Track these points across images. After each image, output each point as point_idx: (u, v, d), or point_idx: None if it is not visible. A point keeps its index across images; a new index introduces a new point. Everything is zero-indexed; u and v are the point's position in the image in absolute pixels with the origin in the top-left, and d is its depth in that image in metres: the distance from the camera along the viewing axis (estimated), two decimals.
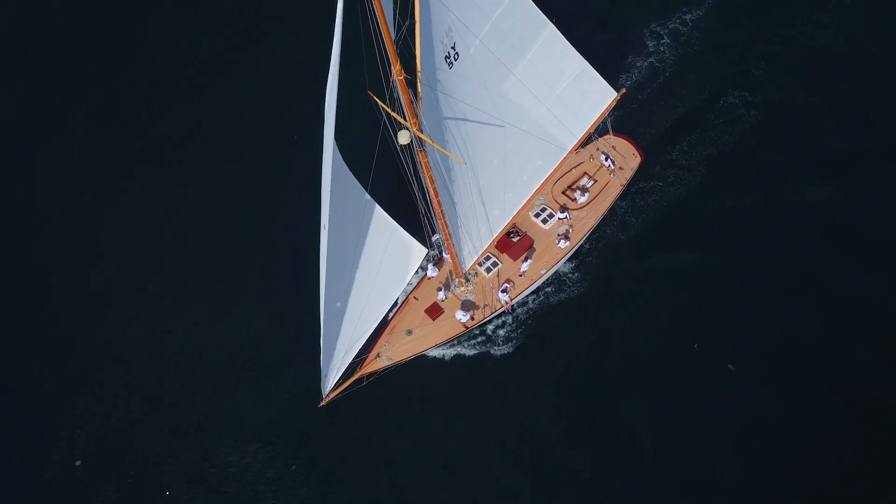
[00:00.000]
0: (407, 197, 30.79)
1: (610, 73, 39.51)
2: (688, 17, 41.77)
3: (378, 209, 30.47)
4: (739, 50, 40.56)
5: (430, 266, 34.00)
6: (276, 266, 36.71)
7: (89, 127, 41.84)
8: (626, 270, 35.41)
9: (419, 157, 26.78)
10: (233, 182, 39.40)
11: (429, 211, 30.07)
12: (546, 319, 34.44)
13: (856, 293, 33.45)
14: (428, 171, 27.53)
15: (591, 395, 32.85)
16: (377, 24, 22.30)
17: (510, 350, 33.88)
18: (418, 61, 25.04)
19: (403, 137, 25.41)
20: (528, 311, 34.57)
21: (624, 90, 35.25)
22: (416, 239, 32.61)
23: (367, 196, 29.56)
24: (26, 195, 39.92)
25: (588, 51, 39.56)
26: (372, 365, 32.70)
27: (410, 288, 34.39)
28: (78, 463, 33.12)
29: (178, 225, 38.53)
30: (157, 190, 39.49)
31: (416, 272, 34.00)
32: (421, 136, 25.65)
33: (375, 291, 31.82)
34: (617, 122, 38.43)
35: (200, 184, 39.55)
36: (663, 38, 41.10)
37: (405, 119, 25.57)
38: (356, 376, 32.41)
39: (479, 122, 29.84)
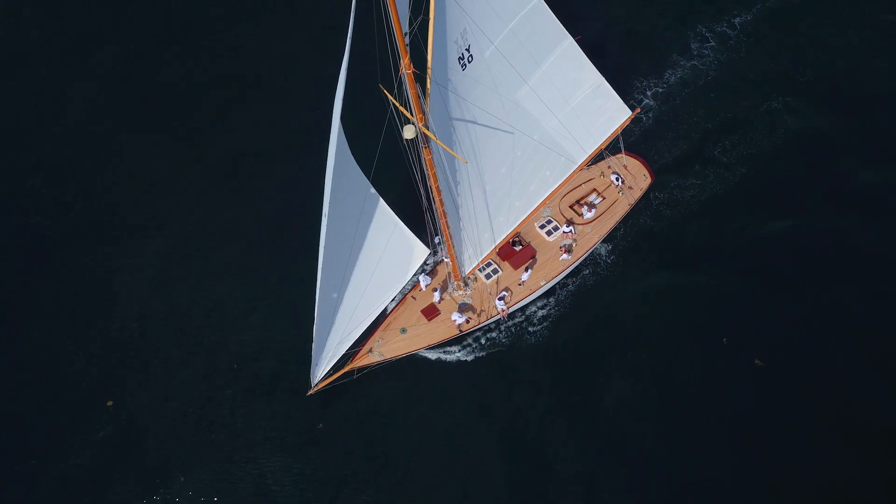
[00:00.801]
0: (414, 196, 31.06)
1: (651, 72, 40.43)
2: (737, 20, 42.05)
3: (382, 204, 30.79)
4: (788, 56, 40.66)
5: (422, 275, 33.94)
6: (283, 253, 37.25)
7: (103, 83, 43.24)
8: (657, 261, 35.32)
9: (423, 153, 27.08)
10: (243, 174, 40.15)
11: (432, 211, 30.32)
12: (574, 306, 34.56)
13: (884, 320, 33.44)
14: (432, 169, 27.81)
15: (613, 385, 32.72)
16: (389, 15, 22.72)
17: (531, 334, 33.99)
18: (429, 58, 25.42)
19: (409, 132, 25.76)
20: (567, 294, 34.72)
21: (639, 110, 35.47)
22: (420, 239, 32.99)
23: (372, 189, 29.92)
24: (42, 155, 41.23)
25: (632, 49, 41.13)
26: (364, 359, 32.88)
27: (409, 286, 34.59)
28: (110, 403, 33.88)
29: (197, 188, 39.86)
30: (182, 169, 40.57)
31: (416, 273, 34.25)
32: (426, 131, 25.96)
33: (373, 286, 32.05)
34: (659, 117, 38.87)
35: (212, 167, 40.40)
36: (709, 41, 41.47)
37: (412, 114, 25.90)
38: (347, 368, 32.61)
39: (488, 127, 30.11)
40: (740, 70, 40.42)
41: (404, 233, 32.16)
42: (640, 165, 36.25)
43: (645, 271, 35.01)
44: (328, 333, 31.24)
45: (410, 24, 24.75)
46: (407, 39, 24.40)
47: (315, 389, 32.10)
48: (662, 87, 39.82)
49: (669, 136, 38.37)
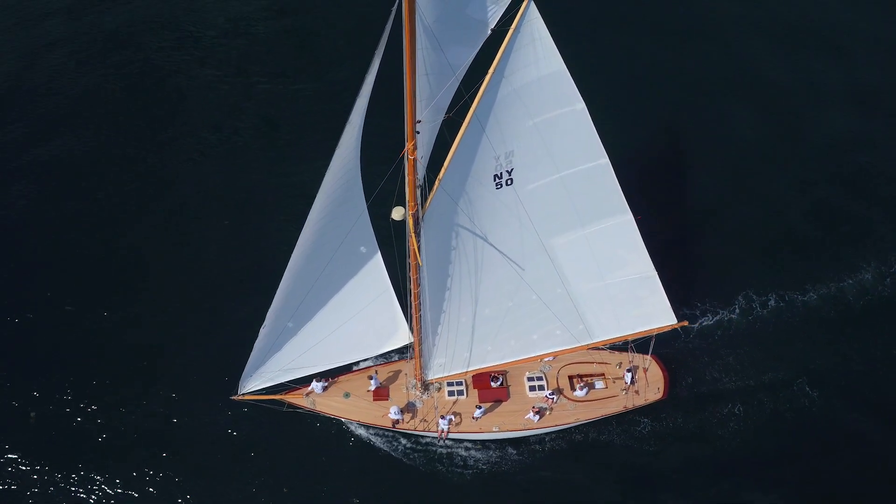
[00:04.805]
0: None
1: (729, 291, 37.08)
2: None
3: (378, 261, 29.58)
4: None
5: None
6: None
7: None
8: (610, 476, 32.55)
9: (411, 241, 26.46)
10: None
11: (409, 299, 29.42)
12: (496, 471, 32.26)
13: None
14: (415, 259, 27.13)
15: None
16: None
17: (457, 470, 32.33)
18: (445, 165, 25.05)
19: (397, 213, 25.37)
20: (501, 455, 32.51)
21: (686, 322, 32.50)
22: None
23: (373, 243, 29.08)
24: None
25: (721, 255, 38.39)
26: (297, 398, 32.61)
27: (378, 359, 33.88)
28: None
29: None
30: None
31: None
32: (410, 222, 25.44)
33: (337, 339, 31.25)
34: (707, 342, 35.45)
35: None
36: (815, 292, 37.50)
37: (412, 198, 25.40)
38: (279, 397, 32.44)
39: (505, 256, 28.99)
40: (825, 344, 36.07)
41: (393, 305, 31.27)
42: (661, 378, 33.24)
43: (590, 479, 32.10)
44: (270, 355, 30.95)
45: (452, 108, 24.30)
46: (436, 121, 23.86)
47: (240, 397, 32.13)
48: (730, 316, 36.40)
49: (709, 368, 34.92)
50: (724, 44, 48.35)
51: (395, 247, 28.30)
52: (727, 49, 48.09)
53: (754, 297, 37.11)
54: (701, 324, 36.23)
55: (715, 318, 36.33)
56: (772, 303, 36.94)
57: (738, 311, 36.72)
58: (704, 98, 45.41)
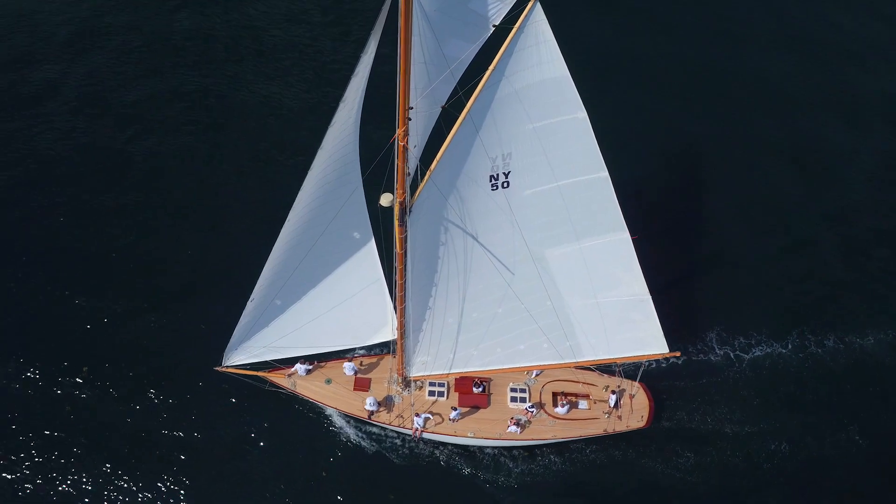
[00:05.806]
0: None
1: (738, 328, 35.82)
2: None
3: (371, 247, 29.60)
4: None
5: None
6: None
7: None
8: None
9: (397, 230, 26.42)
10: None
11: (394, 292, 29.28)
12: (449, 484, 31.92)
13: None
14: (400, 249, 27.05)
15: None
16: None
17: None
18: (438, 156, 24.98)
19: (385, 199, 25.33)
20: (466, 460, 32.10)
21: (678, 353, 31.72)
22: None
23: (368, 229, 29.15)
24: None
25: (735, 291, 36.90)
26: (279, 378, 32.78)
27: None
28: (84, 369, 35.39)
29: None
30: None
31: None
32: (396, 209, 25.39)
33: (321, 324, 31.38)
34: (706, 380, 34.37)
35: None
36: (824, 344, 36.01)
37: (401, 185, 25.35)
38: (263, 374, 32.66)
39: (496, 260, 28.74)
40: (833, 394, 34.75)
41: (383, 296, 31.21)
42: (646, 406, 32.46)
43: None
44: (256, 331, 31.13)
45: (449, 100, 24.22)
46: (432, 111, 23.76)
47: (224, 369, 32.41)
48: (780, 350, 35.51)
49: (756, 401, 34.06)
50: (742, 53, 45.93)
51: (381, 235, 28.30)
52: (744, 59, 45.67)
53: (809, 335, 36.13)
54: (752, 354, 35.47)
55: (766, 351, 35.51)
56: (830, 342, 35.92)
57: (790, 346, 35.80)
58: (720, 111, 43.25)
